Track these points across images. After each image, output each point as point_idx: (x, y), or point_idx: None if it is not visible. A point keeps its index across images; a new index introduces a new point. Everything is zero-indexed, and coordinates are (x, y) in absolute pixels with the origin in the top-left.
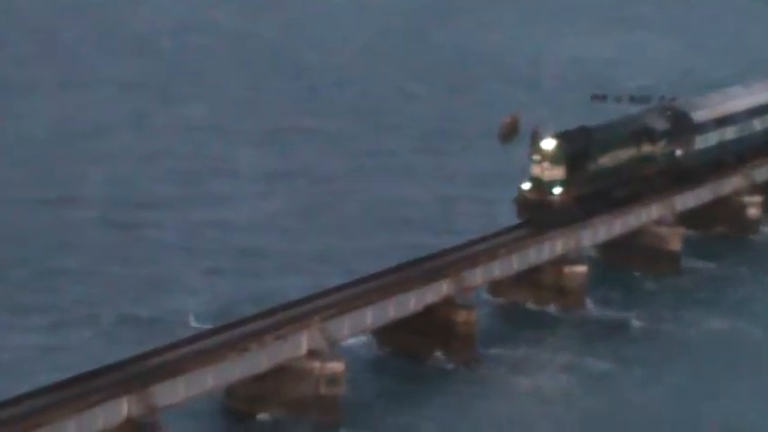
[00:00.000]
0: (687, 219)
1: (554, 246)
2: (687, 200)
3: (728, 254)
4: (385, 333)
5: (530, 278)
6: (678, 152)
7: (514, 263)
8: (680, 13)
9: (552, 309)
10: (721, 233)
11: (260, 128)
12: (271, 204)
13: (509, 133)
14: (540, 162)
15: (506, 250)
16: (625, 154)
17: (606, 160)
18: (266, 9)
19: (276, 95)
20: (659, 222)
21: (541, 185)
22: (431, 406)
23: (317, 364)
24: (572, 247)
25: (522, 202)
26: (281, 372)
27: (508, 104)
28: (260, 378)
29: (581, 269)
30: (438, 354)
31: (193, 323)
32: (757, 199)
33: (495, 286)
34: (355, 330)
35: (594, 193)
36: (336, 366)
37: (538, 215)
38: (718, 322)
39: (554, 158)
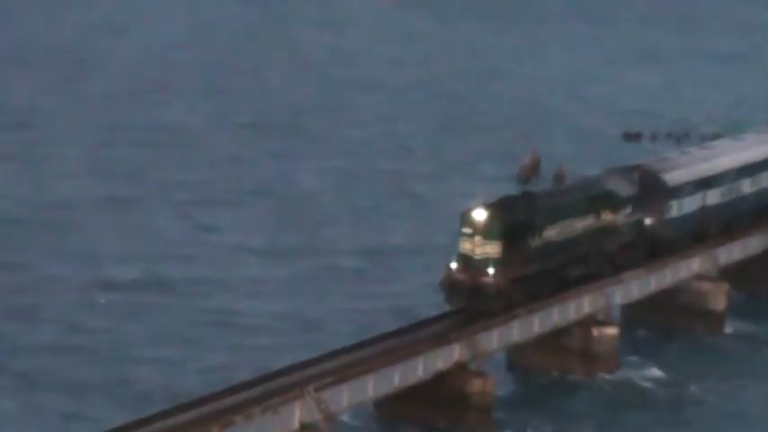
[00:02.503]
0: (732, 274)
1: (581, 305)
2: (733, 252)
3: None
4: (389, 404)
5: (553, 342)
6: (648, 221)
7: (535, 324)
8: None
9: (580, 376)
10: None
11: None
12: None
13: (529, 174)
14: (470, 236)
15: (526, 310)
16: (579, 225)
17: (554, 233)
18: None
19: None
20: (700, 278)
21: (472, 264)
22: None
23: None
24: (601, 305)
25: (450, 285)
26: None
27: (530, 144)
28: None
29: (612, 331)
30: (449, 427)
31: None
32: None
33: (515, 351)
34: (355, 401)
35: (540, 272)
36: None
37: (469, 300)
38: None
39: (487, 232)
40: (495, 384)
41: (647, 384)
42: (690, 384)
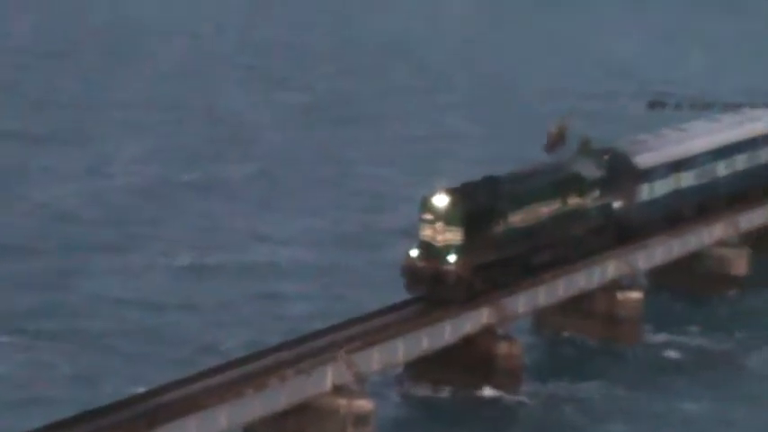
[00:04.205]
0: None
1: (606, 269)
2: (753, 218)
3: None
4: (418, 367)
5: (578, 306)
6: (617, 204)
7: (561, 289)
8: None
9: (604, 340)
10: None
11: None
12: None
13: (556, 144)
14: (432, 223)
15: (552, 275)
16: (545, 210)
17: (519, 218)
18: None
19: None
20: (722, 243)
21: (433, 252)
22: None
23: (343, 402)
24: (626, 270)
25: (411, 273)
26: (303, 410)
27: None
28: (280, 417)
29: (636, 295)
30: (478, 389)
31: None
32: None
33: (540, 316)
34: (385, 363)
35: (504, 260)
36: (365, 404)
37: (430, 289)
38: None
39: (448, 218)
40: (521, 347)
41: (671, 347)
42: (712, 347)
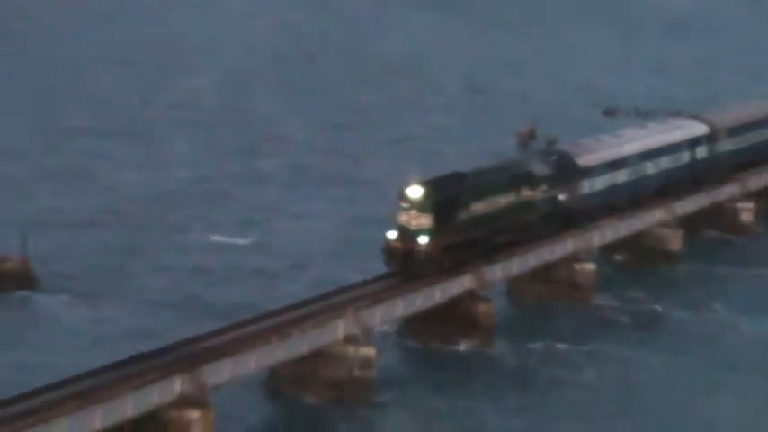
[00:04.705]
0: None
1: (566, 245)
2: (686, 205)
3: (723, 253)
4: (413, 322)
5: (544, 274)
6: (562, 197)
7: (530, 260)
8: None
9: (565, 302)
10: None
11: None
12: None
13: (526, 142)
14: (407, 210)
15: (523, 249)
16: (502, 200)
17: (480, 207)
18: None
19: None
20: (661, 224)
21: (408, 234)
22: (454, 389)
23: (351, 349)
24: (582, 246)
25: (389, 252)
26: (318, 355)
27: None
28: (299, 361)
29: (590, 266)
30: (461, 341)
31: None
32: (750, 205)
33: (513, 282)
34: (387, 318)
35: (469, 241)
36: (369, 351)
37: (404, 265)
38: (715, 315)
39: (421, 206)
40: (496, 307)
41: (619, 309)
42: (652, 308)
